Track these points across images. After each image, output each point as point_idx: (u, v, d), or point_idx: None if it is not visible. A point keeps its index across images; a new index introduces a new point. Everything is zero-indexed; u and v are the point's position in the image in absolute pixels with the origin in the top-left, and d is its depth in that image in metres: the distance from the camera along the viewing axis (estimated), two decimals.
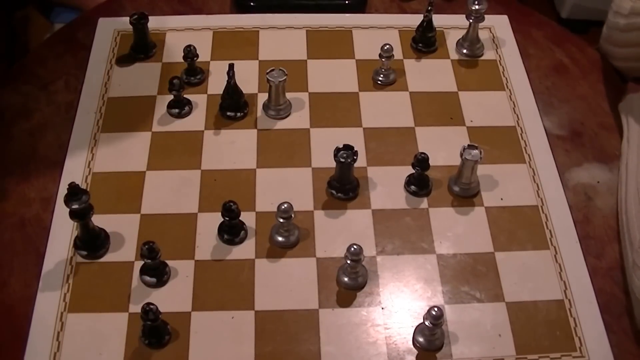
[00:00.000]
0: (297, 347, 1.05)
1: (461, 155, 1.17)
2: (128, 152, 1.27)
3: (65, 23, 1.59)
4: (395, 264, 1.14)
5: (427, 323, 1.02)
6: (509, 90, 1.39)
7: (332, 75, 1.40)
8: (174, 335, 1.05)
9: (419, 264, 1.14)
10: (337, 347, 1.05)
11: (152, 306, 1.00)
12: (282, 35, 1.47)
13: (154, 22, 1.43)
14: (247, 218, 1.17)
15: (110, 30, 1.47)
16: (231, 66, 1.27)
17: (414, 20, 1.46)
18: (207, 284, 1.11)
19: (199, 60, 1.36)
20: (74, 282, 1.11)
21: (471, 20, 1.40)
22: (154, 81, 1.38)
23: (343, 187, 1.21)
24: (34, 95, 1.36)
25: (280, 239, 1.15)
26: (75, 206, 1.07)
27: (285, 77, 1.28)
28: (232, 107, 1.31)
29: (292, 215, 1.11)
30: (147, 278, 1.10)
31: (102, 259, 1.13)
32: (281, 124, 1.32)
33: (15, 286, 1.11)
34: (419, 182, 1.22)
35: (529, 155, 1.29)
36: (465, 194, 1.22)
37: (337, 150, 1.17)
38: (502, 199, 1.22)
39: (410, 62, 1.43)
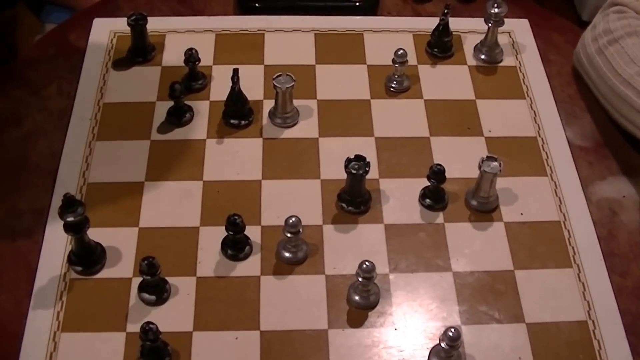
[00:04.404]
0: None
1: (480, 167, 1.18)
2: (125, 162, 1.28)
3: (57, 23, 1.60)
4: (409, 282, 1.15)
5: (443, 345, 1.02)
6: (530, 98, 1.40)
7: (342, 82, 1.41)
8: (174, 357, 1.06)
9: (435, 282, 1.15)
10: None
11: (151, 325, 1.00)
12: (289, 39, 1.49)
13: (153, 24, 1.44)
14: (252, 232, 1.18)
15: (106, 31, 1.49)
16: (235, 71, 1.27)
17: (429, 23, 1.47)
18: (210, 303, 1.12)
19: (200, 64, 1.37)
20: (68, 300, 1.12)
21: (490, 24, 1.41)
22: (153, 86, 1.39)
23: (354, 200, 1.21)
24: (24, 100, 1.37)
25: (287, 254, 1.16)
26: (70, 219, 1.07)
27: (293, 83, 1.29)
28: (236, 114, 1.33)
29: (301, 230, 1.12)
30: (146, 296, 1.11)
31: (98, 275, 1.14)
32: (288, 133, 1.33)
33: (6, 304, 1.12)
34: (435, 196, 1.23)
35: (550, 167, 1.30)
36: (483, 209, 1.23)
37: (349, 161, 1.17)
38: (522, 213, 1.23)
39: (425, 68, 1.44)
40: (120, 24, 1.44)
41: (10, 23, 1.89)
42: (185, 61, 1.35)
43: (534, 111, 1.38)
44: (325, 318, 1.11)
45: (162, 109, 1.34)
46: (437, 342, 1.04)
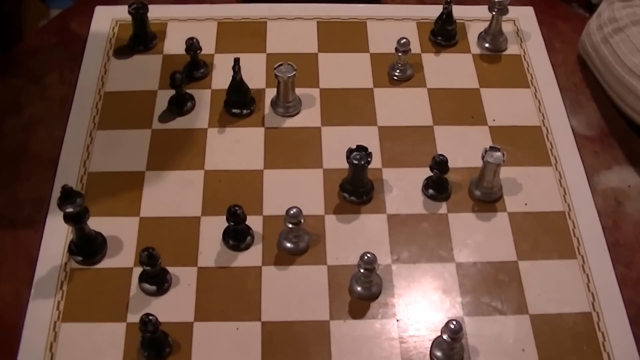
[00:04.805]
0: None
1: (483, 157, 1.17)
2: (126, 151, 1.27)
3: (62, 8, 1.59)
4: (411, 273, 1.14)
5: (445, 337, 1.01)
6: (534, 87, 1.39)
7: (344, 70, 1.40)
8: (174, 348, 1.05)
9: (437, 273, 1.15)
10: None
11: (151, 317, 1.00)
12: (291, 27, 1.48)
13: (154, 11, 1.43)
14: (254, 222, 1.17)
15: (107, 19, 1.48)
16: (236, 61, 1.27)
17: (432, 11, 1.46)
18: (211, 293, 1.11)
19: (202, 53, 1.36)
20: (69, 290, 1.11)
21: (494, 12, 1.40)
22: (154, 75, 1.38)
23: (356, 190, 1.21)
24: (26, 89, 1.37)
25: (289, 245, 1.15)
26: (69, 210, 1.07)
27: (294, 73, 1.28)
28: (238, 103, 1.32)
29: (302, 221, 1.12)
30: (147, 286, 1.10)
31: (99, 265, 1.14)
32: (290, 122, 1.32)
33: (6, 293, 1.12)
34: (438, 186, 1.22)
35: (555, 157, 1.29)
36: (486, 199, 1.22)
37: (350, 151, 1.17)
38: (526, 204, 1.23)
39: (429, 56, 1.44)
40: (122, 12, 1.44)
41: (16, 8, 1.89)
42: (187, 50, 1.34)
43: (538, 100, 1.37)
44: (326, 309, 1.10)
45: (164, 97, 1.34)
46: (439, 333, 1.03)
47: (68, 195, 1.06)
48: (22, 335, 1.07)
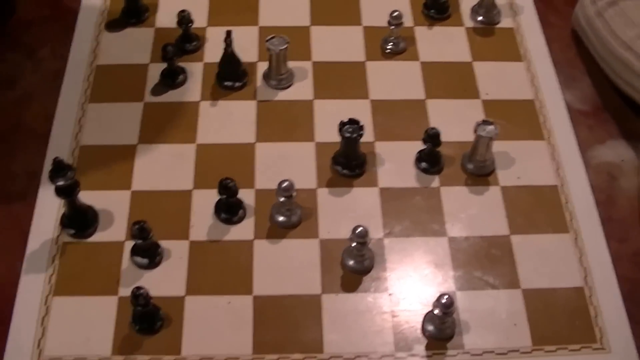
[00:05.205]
0: (298, 334, 1.05)
1: (475, 131, 1.17)
2: (118, 124, 1.26)
3: None
4: (403, 247, 1.14)
5: (436, 312, 1.01)
6: (528, 60, 1.38)
7: (337, 43, 1.39)
8: (166, 321, 1.05)
9: (429, 247, 1.14)
10: (341, 335, 1.05)
11: (142, 290, 0.99)
12: None
13: None
14: (246, 196, 1.17)
15: None
16: (228, 33, 1.26)
17: None
18: (203, 266, 1.11)
19: (194, 26, 1.35)
20: (61, 263, 1.10)
21: None
22: (147, 48, 1.37)
23: (349, 163, 1.20)
24: (17, 62, 1.35)
25: (281, 218, 1.14)
26: (60, 183, 1.06)
27: (286, 45, 1.27)
28: (230, 76, 1.31)
29: (294, 194, 1.11)
30: (139, 259, 1.10)
31: (91, 239, 1.13)
32: (282, 95, 1.31)
33: None
34: (430, 159, 1.21)
35: (548, 131, 1.28)
36: (479, 172, 1.22)
37: (342, 124, 1.16)
38: (519, 177, 1.22)
39: (422, 29, 1.42)
40: None
41: None
42: (178, 23, 1.33)
43: (532, 74, 1.36)
44: (318, 283, 1.09)
45: (156, 71, 1.32)
46: (432, 308, 1.03)
47: (59, 168, 1.06)
48: (14, 309, 1.06)
